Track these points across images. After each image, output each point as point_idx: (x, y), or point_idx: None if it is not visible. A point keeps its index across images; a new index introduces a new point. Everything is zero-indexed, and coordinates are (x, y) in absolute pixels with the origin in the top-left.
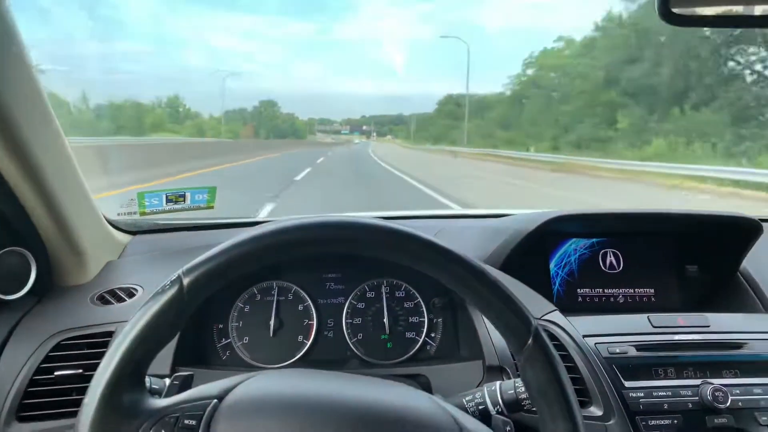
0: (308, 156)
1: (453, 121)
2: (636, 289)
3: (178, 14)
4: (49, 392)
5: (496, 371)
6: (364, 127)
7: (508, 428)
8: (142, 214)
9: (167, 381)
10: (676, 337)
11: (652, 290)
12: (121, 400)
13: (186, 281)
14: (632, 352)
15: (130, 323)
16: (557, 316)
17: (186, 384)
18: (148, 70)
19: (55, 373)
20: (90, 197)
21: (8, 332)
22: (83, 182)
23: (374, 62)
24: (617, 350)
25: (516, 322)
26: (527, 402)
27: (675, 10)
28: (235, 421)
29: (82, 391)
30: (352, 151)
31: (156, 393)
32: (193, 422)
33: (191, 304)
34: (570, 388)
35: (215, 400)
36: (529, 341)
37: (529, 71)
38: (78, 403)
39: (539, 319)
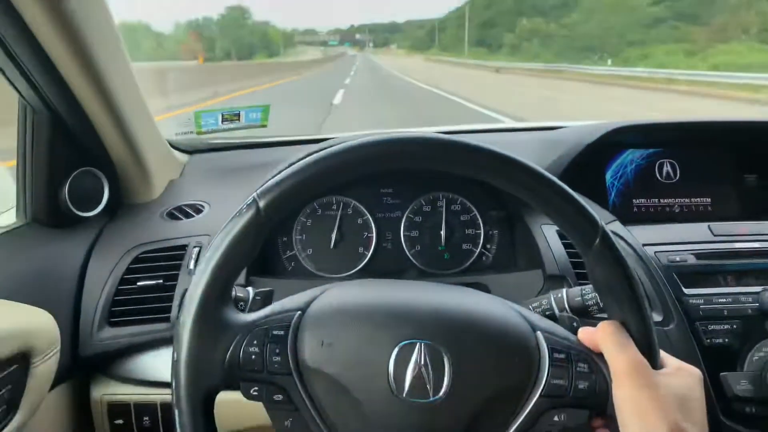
0: None
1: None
2: (692, 199)
3: None
4: (134, 300)
5: (556, 280)
6: (357, 37)
7: (574, 324)
8: (199, 133)
9: (250, 290)
10: (737, 245)
11: (709, 200)
12: (213, 317)
13: (262, 203)
14: (692, 260)
15: (212, 247)
16: (617, 226)
17: (268, 298)
18: None
19: (138, 284)
20: (152, 117)
21: (90, 246)
22: (146, 103)
23: None
24: (677, 258)
25: (583, 222)
26: (594, 307)
27: None
28: (319, 329)
29: (164, 299)
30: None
31: (241, 300)
32: (281, 332)
33: (269, 225)
34: (637, 284)
35: (299, 312)
36: (597, 240)
37: None
38: (161, 310)
39: None
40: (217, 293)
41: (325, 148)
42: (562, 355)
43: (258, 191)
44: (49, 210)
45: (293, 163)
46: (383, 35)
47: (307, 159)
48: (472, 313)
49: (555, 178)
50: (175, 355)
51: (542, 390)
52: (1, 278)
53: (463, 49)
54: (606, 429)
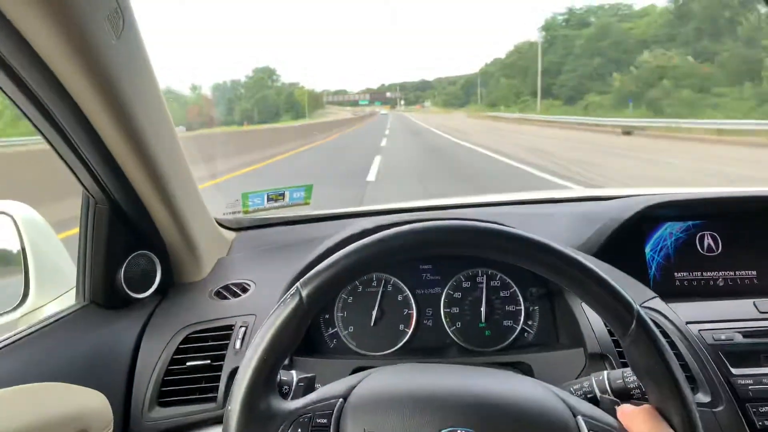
0: None
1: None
2: (737, 272)
3: None
4: (183, 380)
5: (598, 359)
6: (388, 95)
7: (616, 407)
8: (246, 212)
9: (293, 374)
10: None
11: (754, 272)
12: (259, 405)
13: (304, 292)
14: (738, 338)
15: (257, 336)
16: (658, 303)
17: (311, 384)
18: None
19: (188, 364)
20: (201, 198)
21: (142, 327)
22: (196, 184)
23: (391, 23)
24: (722, 337)
25: (618, 307)
26: (636, 391)
27: None
28: (360, 417)
29: (212, 378)
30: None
31: (285, 385)
32: (324, 420)
33: (311, 312)
34: (677, 368)
35: (341, 399)
36: (633, 324)
37: None
38: (208, 390)
39: (640, 306)
40: (263, 381)
41: (362, 231)
42: None
43: (300, 281)
44: (106, 292)
45: (334, 246)
46: (414, 92)
47: (347, 249)
48: (512, 399)
49: (588, 263)
50: None
51: None
52: (61, 361)
53: (519, 102)
54: None
